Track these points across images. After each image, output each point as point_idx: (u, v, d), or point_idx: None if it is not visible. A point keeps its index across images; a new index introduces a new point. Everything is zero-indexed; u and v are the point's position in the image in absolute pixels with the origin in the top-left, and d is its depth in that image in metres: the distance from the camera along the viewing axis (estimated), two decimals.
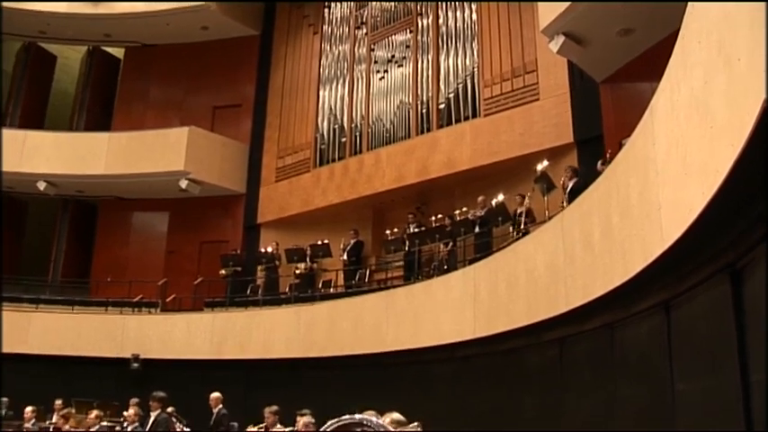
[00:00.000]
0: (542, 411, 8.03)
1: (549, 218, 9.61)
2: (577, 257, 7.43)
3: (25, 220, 21.78)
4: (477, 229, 12.86)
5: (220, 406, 12.29)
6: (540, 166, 11.16)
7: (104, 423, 12.48)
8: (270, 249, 17.40)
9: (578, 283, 7.31)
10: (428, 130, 15.39)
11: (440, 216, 14.10)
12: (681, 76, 5.10)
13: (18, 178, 19.13)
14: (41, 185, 19.02)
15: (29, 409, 13.17)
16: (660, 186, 5.57)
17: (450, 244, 13.37)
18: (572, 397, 7.42)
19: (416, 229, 14.42)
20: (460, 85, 14.97)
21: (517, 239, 10.46)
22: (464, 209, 13.53)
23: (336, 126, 17.69)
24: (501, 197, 12.47)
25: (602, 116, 11.82)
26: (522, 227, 11.56)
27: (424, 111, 15.61)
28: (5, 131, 19.96)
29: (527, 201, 11.78)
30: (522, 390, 8.76)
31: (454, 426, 9.64)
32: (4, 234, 20.88)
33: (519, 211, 11.95)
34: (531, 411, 8.33)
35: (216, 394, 12.37)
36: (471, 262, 11.66)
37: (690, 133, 4.87)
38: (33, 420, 12.89)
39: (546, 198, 10.88)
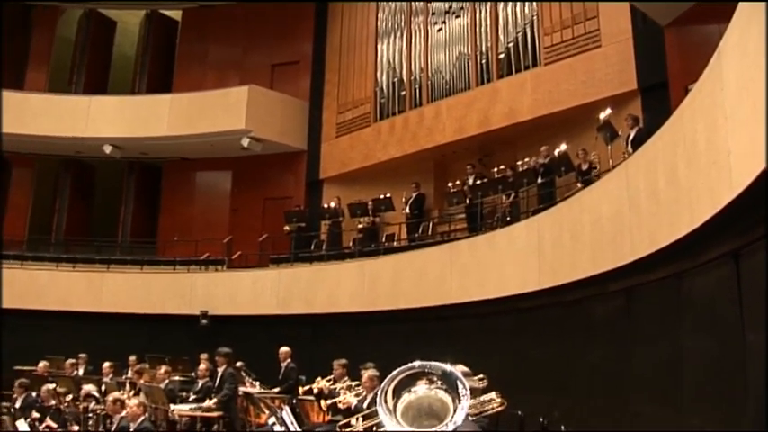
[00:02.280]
0: (608, 363, 7.98)
1: (613, 167, 9.47)
2: (642, 207, 7.32)
3: (93, 184, 22.33)
4: (539, 180, 12.73)
5: (289, 360, 12.53)
6: (602, 115, 10.95)
7: (176, 378, 12.86)
8: (332, 204, 17.52)
9: (644, 232, 7.21)
10: (488, 81, 15.20)
11: (502, 167, 13.98)
12: (751, 16, 4.92)
13: (84, 143, 19.61)
14: (107, 149, 19.47)
15: (106, 364, 13.62)
16: (729, 132, 5.42)
17: (513, 195, 13.27)
18: (639, 348, 7.36)
19: (478, 181, 14.34)
20: (520, 34, 14.70)
21: (581, 189, 10.33)
22: (526, 159, 13.39)
23: (395, 80, 17.59)
24: (563, 147, 12.29)
25: (667, 62, 11.50)
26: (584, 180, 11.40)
27: (483, 61, 15.41)
28: (71, 98, 20.46)
29: (592, 156, 11.53)
30: (587, 341, 8.71)
31: (519, 378, 9.66)
32: (75, 198, 21.49)
33: (583, 167, 11.72)
34: (597, 363, 8.29)
35: (284, 348, 12.61)
36: (535, 213, 11.56)
37: (760, 76, 4.71)
38: (111, 375, 13.33)
39: (609, 147, 10.70)
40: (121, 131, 19.33)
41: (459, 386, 4.41)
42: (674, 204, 6.57)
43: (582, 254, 8.80)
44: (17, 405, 11.63)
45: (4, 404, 11.39)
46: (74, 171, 21.79)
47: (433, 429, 4.33)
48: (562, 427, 7.61)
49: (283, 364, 12.53)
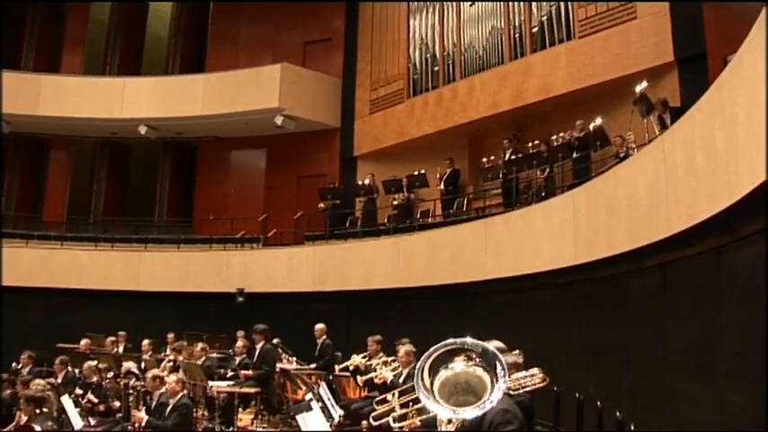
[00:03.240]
0: (644, 339, 7.92)
1: (649, 141, 9.35)
2: (680, 181, 7.23)
3: (129, 164, 22.59)
4: (575, 154, 12.62)
5: (324, 336, 12.64)
6: (638, 88, 10.78)
7: (213, 355, 13.04)
8: (367, 181, 17.57)
9: (681, 206, 7.12)
10: (522, 55, 15.04)
11: (536, 142, 13.88)
12: None
13: (120, 124, 19.87)
14: (142, 129, 19.69)
15: (145, 342, 13.87)
16: None
17: (548, 170, 13.18)
18: (675, 324, 7.29)
19: (513, 156, 14.26)
20: (553, 8, 14.49)
21: (617, 164, 10.23)
22: (561, 134, 13.28)
23: (428, 55, 17.48)
24: (599, 121, 12.16)
25: (705, 32, 11.28)
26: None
27: (516, 35, 15.24)
28: (106, 80, 20.71)
29: (628, 135, 11.33)
30: (622, 317, 8.65)
31: (554, 354, 9.64)
32: (111, 179, 21.76)
33: (620, 154, 11.48)
34: (632, 339, 8.23)
35: (320, 325, 12.72)
36: (570, 187, 11.47)
37: None
38: (150, 352, 13.55)
39: (645, 120, 10.56)
40: (156, 112, 19.52)
41: (498, 364, 4.43)
42: (712, 178, 6.48)
43: (617, 229, 8.73)
44: (59, 381, 11.88)
45: (48, 380, 11.63)
46: (110, 152, 22.08)
47: (472, 407, 4.37)
48: (598, 404, 7.60)
49: (319, 341, 12.64)
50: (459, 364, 4.52)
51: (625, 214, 8.55)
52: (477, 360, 4.50)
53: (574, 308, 10.10)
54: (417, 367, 4.59)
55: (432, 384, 4.43)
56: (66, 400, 9.03)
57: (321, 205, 17.90)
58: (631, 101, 10.97)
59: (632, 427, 6.54)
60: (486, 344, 4.64)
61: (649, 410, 7.41)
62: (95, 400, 10.71)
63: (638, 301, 8.30)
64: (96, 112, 19.61)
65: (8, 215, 21.27)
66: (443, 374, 4.49)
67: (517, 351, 6.24)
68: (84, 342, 14.76)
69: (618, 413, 6.94)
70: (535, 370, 5.76)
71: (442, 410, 4.39)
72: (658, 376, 7.46)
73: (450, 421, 4.59)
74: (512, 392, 5.38)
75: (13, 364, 13.79)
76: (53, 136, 21.54)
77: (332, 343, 12.67)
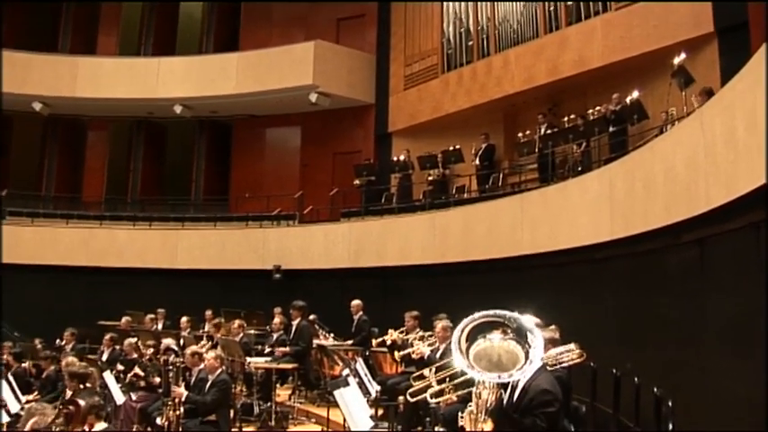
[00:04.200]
0: (681, 315, 7.84)
1: (688, 114, 9.21)
2: (719, 154, 7.11)
3: (165, 143, 22.78)
4: (611, 128, 12.48)
5: (361, 312, 12.70)
6: (677, 60, 10.62)
7: (251, 331, 13.18)
8: (402, 157, 17.57)
9: (720, 181, 7.01)
10: (557, 29, 14.86)
11: (572, 116, 13.75)
12: None
13: (155, 104, 20.03)
14: (178, 109, 19.86)
15: (184, 319, 14.04)
16: None
17: (584, 144, 13.06)
18: (714, 300, 7.20)
19: (549, 131, 14.15)
20: None
21: (654, 137, 10.10)
22: (597, 108, 13.13)
23: (462, 30, 17.34)
24: (636, 94, 12.01)
25: (746, 1, 11.04)
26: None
27: (551, 8, 15.04)
28: (141, 60, 20.88)
29: (672, 112, 11.15)
30: (660, 292, 8.56)
31: (590, 329, 9.58)
32: (148, 158, 21.97)
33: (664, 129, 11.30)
34: (670, 314, 8.15)
35: (356, 301, 12.78)
36: (606, 162, 11.36)
37: None
38: (188, 329, 13.73)
39: (684, 93, 10.40)
40: (191, 91, 19.66)
41: (530, 337, 4.43)
42: (753, 151, 6.36)
43: (655, 203, 8.63)
44: (104, 358, 12.12)
45: (91, 357, 11.87)
46: (146, 131, 22.28)
47: (506, 373, 4.38)
48: (635, 379, 7.56)
49: (356, 317, 12.71)
50: (495, 336, 4.54)
51: (662, 189, 8.44)
52: (513, 335, 4.51)
53: (610, 283, 10.02)
54: (456, 330, 4.62)
55: (467, 351, 4.46)
56: (109, 376, 9.20)
57: (356, 182, 17.96)
58: (669, 73, 10.81)
59: (670, 404, 6.50)
60: (522, 318, 4.65)
61: (687, 387, 7.36)
62: (141, 374, 10.92)
63: (676, 276, 8.22)
64: (132, 92, 19.81)
65: (48, 196, 21.63)
66: (480, 343, 4.51)
67: (553, 326, 6.23)
68: (125, 320, 15.00)
69: (655, 389, 6.90)
70: (572, 345, 5.74)
71: (477, 375, 4.42)
72: (696, 352, 7.40)
73: (480, 396, 4.61)
74: (548, 368, 5.38)
75: (57, 341, 14.09)
76: (91, 117, 21.81)
77: (368, 319, 12.74)
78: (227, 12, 22.66)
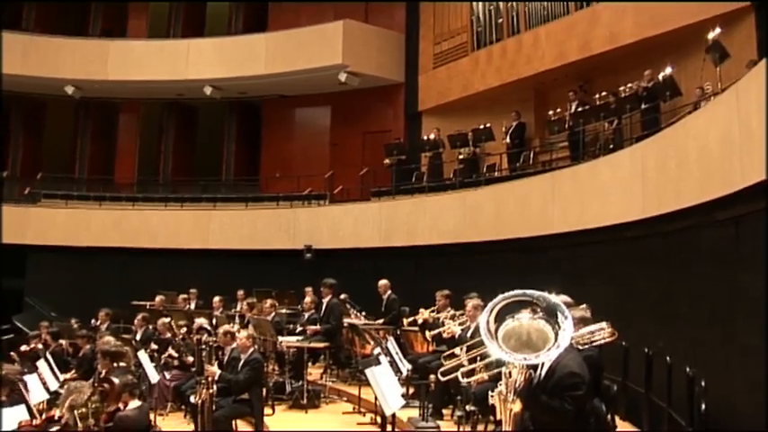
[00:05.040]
0: (715, 294, 7.75)
1: (722, 90, 9.07)
2: (754, 131, 6.99)
3: (196, 125, 22.90)
4: (643, 105, 12.32)
5: (389, 292, 12.71)
6: (711, 35, 10.42)
7: (282, 311, 13.27)
8: (432, 136, 17.52)
9: (755, 158, 6.89)
10: (588, 4, 14.65)
11: (604, 93, 13.57)
12: None
13: (186, 85, 20.14)
14: (207, 90, 19.95)
15: (216, 298, 14.15)
16: None
17: (616, 121, 12.92)
18: (748, 279, 7.09)
19: (579, 108, 14.01)
20: None
21: (687, 114, 9.97)
22: (629, 85, 12.95)
23: (492, 7, 17.19)
24: (669, 70, 11.83)
25: None
26: None
27: None
28: (171, 42, 20.97)
29: (707, 87, 10.94)
30: (693, 271, 8.47)
31: (622, 308, 9.53)
32: (179, 139, 22.11)
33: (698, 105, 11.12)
34: (703, 293, 8.06)
35: (383, 281, 12.79)
36: (638, 139, 11.22)
37: None
38: (221, 309, 13.85)
39: (718, 69, 10.22)
40: (220, 72, 19.74)
41: (561, 317, 4.42)
42: None
43: (688, 181, 8.53)
44: (138, 337, 12.28)
45: (126, 336, 12.03)
46: (177, 113, 22.42)
47: (531, 355, 4.38)
48: (667, 359, 7.51)
49: (384, 296, 12.73)
50: (524, 316, 4.54)
51: (696, 166, 8.34)
52: (542, 314, 4.50)
53: (643, 262, 9.94)
54: (484, 312, 4.62)
55: (496, 332, 4.47)
56: (143, 355, 9.32)
57: (387, 161, 17.93)
58: (703, 49, 10.63)
59: (702, 384, 6.46)
60: (551, 297, 4.64)
61: (720, 366, 7.30)
62: (175, 354, 11.06)
63: (710, 255, 8.12)
64: (162, 74, 19.92)
65: (81, 178, 21.89)
66: (509, 323, 4.52)
67: (584, 306, 6.21)
68: (158, 299, 15.18)
69: (687, 369, 6.86)
70: (603, 324, 5.72)
71: (505, 356, 4.42)
72: (730, 332, 7.32)
73: (509, 375, 4.62)
74: (579, 347, 5.36)
75: (92, 321, 14.31)
76: (122, 100, 21.99)
77: (397, 297, 12.76)
78: None
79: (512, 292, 4.57)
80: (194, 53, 19.99)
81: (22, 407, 6.83)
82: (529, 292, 4.65)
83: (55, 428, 5.83)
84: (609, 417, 6.08)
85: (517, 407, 4.62)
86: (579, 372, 4.68)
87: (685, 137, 8.87)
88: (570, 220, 11.93)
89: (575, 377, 4.63)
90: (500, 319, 4.54)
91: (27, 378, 8.07)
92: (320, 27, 19.18)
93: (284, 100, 21.22)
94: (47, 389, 8.56)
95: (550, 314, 4.49)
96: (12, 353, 13.23)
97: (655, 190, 9.50)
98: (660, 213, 9.19)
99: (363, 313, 13.36)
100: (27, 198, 20.36)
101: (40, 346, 13.19)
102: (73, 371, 11.15)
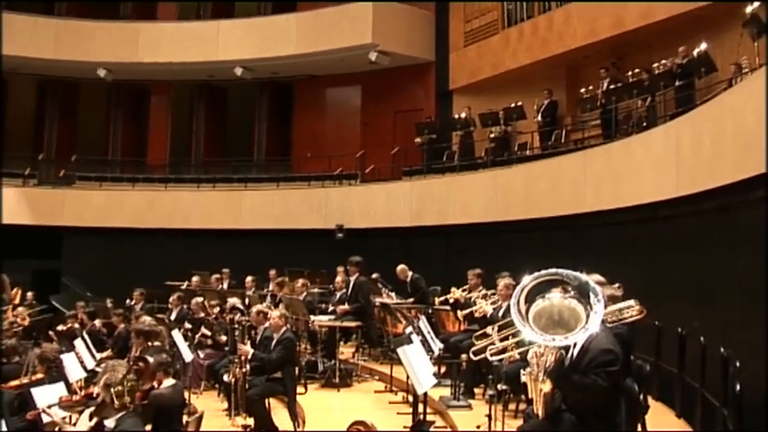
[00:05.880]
0: (751, 273, 7.64)
1: (760, 65, 8.91)
2: None
3: (227, 106, 22.96)
4: (677, 82, 12.14)
5: (410, 273, 12.72)
6: (749, 9, 10.21)
7: (314, 290, 13.34)
8: (463, 115, 17.44)
9: None
10: None
11: (637, 70, 13.38)
12: None
13: (216, 66, 20.23)
14: (238, 71, 20.01)
15: (249, 278, 14.26)
16: None
17: (649, 99, 12.75)
18: None
19: (612, 86, 13.85)
20: None
21: (723, 91, 9.81)
22: (663, 61, 12.76)
23: None
24: (704, 46, 11.64)
25: None
26: None
27: None
28: (201, 24, 21.05)
29: (744, 62, 10.71)
30: (728, 251, 8.34)
31: (656, 288, 9.45)
32: (210, 120, 22.20)
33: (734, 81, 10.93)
34: (739, 273, 7.95)
35: (400, 267, 12.82)
36: (672, 117, 11.08)
37: None
38: (253, 288, 13.96)
39: (756, 44, 10.03)
40: (251, 53, 19.77)
41: (593, 297, 4.40)
42: None
43: (723, 159, 8.40)
44: (172, 317, 12.43)
45: (160, 316, 12.18)
46: (207, 94, 22.52)
47: (563, 336, 4.36)
48: (701, 339, 7.45)
49: (407, 279, 12.73)
50: (555, 295, 4.52)
51: (731, 144, 8.21)
52: (573, 292, 4.48)
53: (676, 241, 9.84)
54: (514, 294, 4.61)
55: (527, 313, 4.46)
56: (177, 334, 9.43)
57: (418, 140, 17.90)
58: (740, 23, 10.43)
59: (737, 364, 6.39)
60: (583, 276, 4.62)
61: (755, 347, 7.21)
62: (209, 334, 11.19)
63: (746, 234, 8.01)
64: (193, 56, 20.00)
65: (115, 160, 22.11)
66: (539, 303, 4.50)
67: (617, 285, 6.17)
68: (195, 279, 15.34)
69: (722, 349, 6.79)
70: (631, 302, 5.69)
71: (536, 337, 4.41)
72: (765, 312, 7.24)
73: (540, 355, 4.61)
74: (608, 324, 5.33)
75: (127, 301, 14.51)
76: (153, 81, 22.14)
77: (421, 276, 12.75)
78: None
79: (543, 272, 4.55)
80: (224, 34, 20.04)
81: (61, 384, 6.98)
82: (560, 270, 4.64)
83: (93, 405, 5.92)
84: (641, 396, 6.05)
85: (547, 387, 4.62)
86: (613, 348, 4.66)
87: (721, 114, 8.74)
88: (603, 199, 11.83)
89: (609, 354, 4.61)
90: (531, 299, 4.53)
91: (65, 357, 8.21)
92: (350, 6, 19.10)
93: (315, 80, 21.22)
94: (84, 367, 8.70)
95: (582, 294, 4.48)
96: (50, 332, 13.48)
97: (689, 168, 9.38)
98: (694, 192, 9.08)
99: (394, 292, 13.38)
100: (62, 180, 20.63)
101: (76, 325, 13.43)
102: (108, 350, 11.32)
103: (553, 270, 4.58)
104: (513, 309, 4.50)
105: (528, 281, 4.55)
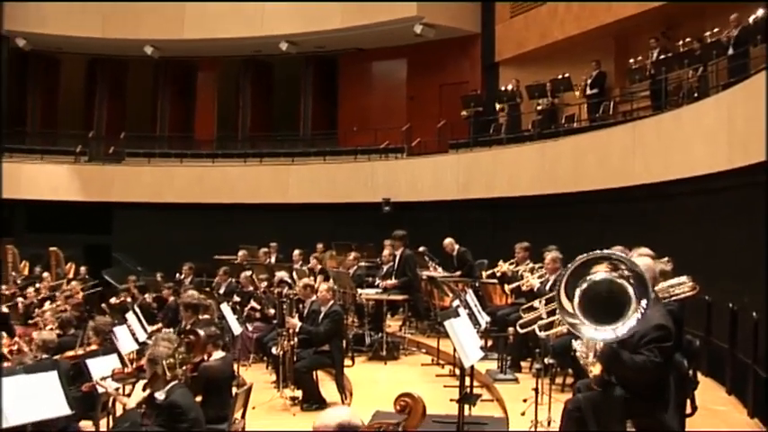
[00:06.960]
0: None
1: None
2: None
3: (273, 81, 23.03)
4: (730, 51, 11.86)
5: (456, 246, 12.72)
6: None
7: (362, 264, 13.39)
8: (510, 87, 17.28)
9: None
10: None
11: (688, 40, 13.09)
12: None
13: (262, 41, 20.28)
14: (283, 46, 20.08)
15: (296, 252, 14.37)
16: None
17: (701, 69, 12.48)
18: None
19: (662, 56, 13.58)
20: None
21: None
22: (715, 30, 12.46)
23: None
24: (760, 12, 11.32)
25: None
26: None
27: None
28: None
29: None
30: None
31: (706, 262, 9.29)
32: (256, 95, 22.28)
33: None
34: None
35: (446, 240, 12.89)
36: (725, 87, 10.84)
37: None
38: (300, 262, 14.06)
39: None
40: (296, 28, 19.78)
41: (643, 279, 4.31)
42: None
43: None
44: (221, 291, 12.61)
45: (208, 289, 12.36)
46: (254, 70, 22.61)
47: (611, 329, 4.29)
48: (753, 314, 7.33)
49: (454, 252, 12.72)
50: (601, 274, 4.45)
51: None
52: (624, 272, 4.41)
53: (728, 214, 9.65)
54: (558, 279, 4.55)
55: (573, 297, 4.40)
56: (226, 308, 9.56)
57: (464, 113, 17.81)
58: None
59: None
60: (632, 259, 4.55)
61: None
62: (257, 307, 11.33)
63: None
64: (239, 31, 20.04)
65: (163, 136, 22.37)
66: (586, 284, 4.43)
67: (666, 259, 6.09)
68: (241, 253, 15.49)
69: None
70: (684, 278, 5.61)
71: (595, 334, 4.34)
72: None
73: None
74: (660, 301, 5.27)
75: (176, 275, 14.74)
76: (199, 58, 22.31)
77: (468, 249, 12.71)
78: None
79: (590, 253, 4.48)
80: (270, 9, 20.03)
81: (114, 356, 7.14)
82: (608, 251, 4.58)
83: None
84: (690, 372, 5.99)
85: (597, 370, 4.58)
86: (666, 323, 4.60)
87: None
88: (653, 172, 11.65)
89: (661, 329, 4.54)
90: (577, 282, 4.44)
91: (117, 329, 8.39)
92: None
93: (361, 53, 21.18)
94: (136, 340, 8.88)
95: (630, 274, 4.38)
96: (102, 305, 13.77)
97: (742, 140, 9.18)
98: (747, 164, 8.88)
99: (441, 267, 13.37)
100: (112, 157, 20.96)
101: (128, 299, 13.69)
102: (159, 323, 11.53)
103: (600, 252, 4.50)
104: (560, 303, 4.42)
105: (575, 263, 4.45)
